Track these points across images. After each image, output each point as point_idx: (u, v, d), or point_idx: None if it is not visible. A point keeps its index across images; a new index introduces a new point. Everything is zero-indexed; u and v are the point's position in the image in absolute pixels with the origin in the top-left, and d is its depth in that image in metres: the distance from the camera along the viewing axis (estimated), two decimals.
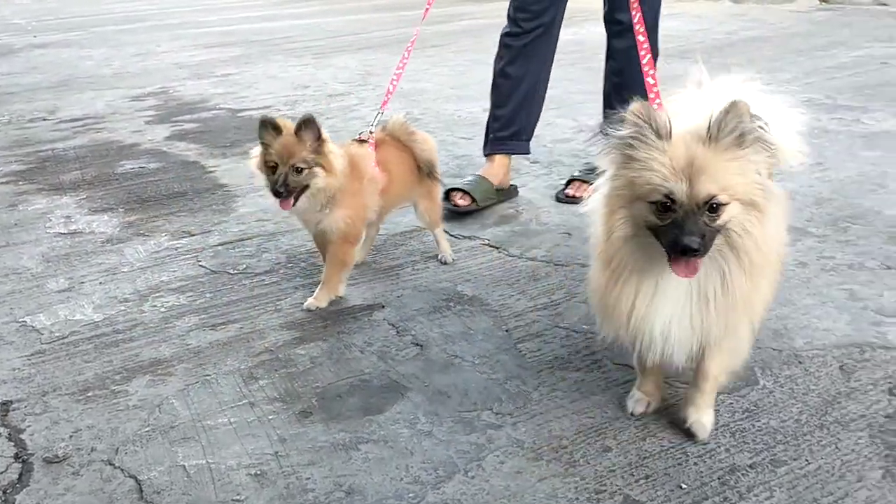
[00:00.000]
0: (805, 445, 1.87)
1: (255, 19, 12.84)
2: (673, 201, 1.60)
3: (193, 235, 3.49)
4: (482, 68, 7.12)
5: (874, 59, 6.26)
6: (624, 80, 3.59)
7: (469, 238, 3.29)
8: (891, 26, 7.74)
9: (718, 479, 1.79)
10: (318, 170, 2.51)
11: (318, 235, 2.77)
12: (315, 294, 2.76)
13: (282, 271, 3.06)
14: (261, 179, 2.60)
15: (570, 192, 3.62)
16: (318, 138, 2.49)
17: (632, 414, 2.04)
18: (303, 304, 2.76)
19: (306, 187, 2.52)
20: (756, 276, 1.70)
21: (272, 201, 2.61)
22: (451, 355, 2.38)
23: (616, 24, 3.55)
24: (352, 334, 2.55)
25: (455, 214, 3.46)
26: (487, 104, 5.71)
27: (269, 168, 2.50)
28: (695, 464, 1.84)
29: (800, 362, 2.20)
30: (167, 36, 11.24)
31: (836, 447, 1.85)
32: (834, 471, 1.78)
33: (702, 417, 1.92)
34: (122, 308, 2.83)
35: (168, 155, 4.90)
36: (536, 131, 4.56)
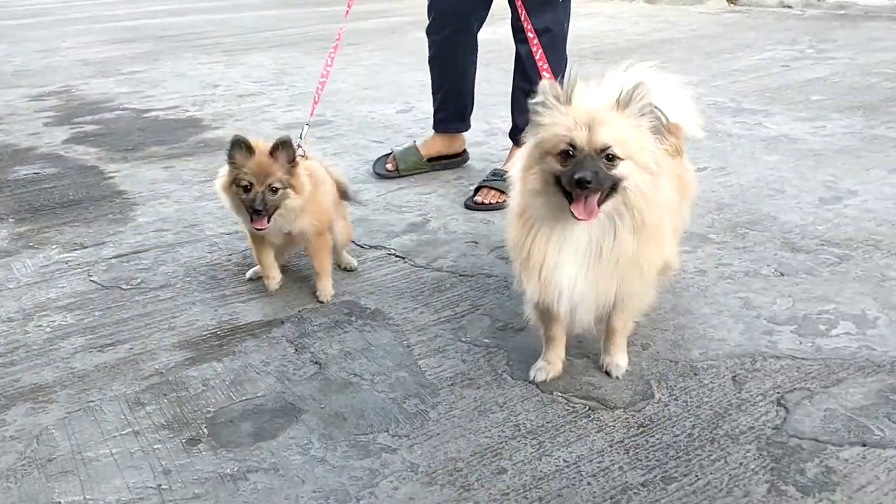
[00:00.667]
0: (696, 461, 1.88)
1: (166, 13, 12.47)
2: (574, 147, 1.82)
3: (86, 248, 3.34)
4: (397, 67, 7.08)
5: (776, 61, 6.45)
6: (533, 87, 3.59)
7: (375, 248, 3.23)
8: (793, 28, 8.00)
9: (611, 498, 1.78)
10: (290, 191, 2.58)
11: (264, 247, 2.81)
12: (319, 287, 2.82)
13: (178, 286, 2.95)
14: (225, 200, 2.63)
15: (478, 198, 3.60)
16: (292, 160, 2.57)
17: (534, 381, 2.24)
18: (199, 321, 2.67)
19: (277, 207, 2.58)
20: (645, 236, 1.92)
21: (241, 220, 2.70)
22: (350, 373, 2.33)
23: (521, 31, 3.54)
24: (248, 353, 2.47)
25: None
26: (401, 105, 5.71)
27: (242, 188, 2.54)
28: (588, 483, 1.83)
29: (695, 374, 2.23)
30: (73, 31, 10.82)
31: (726, 461, 1.87)
32: (722, 486, 1.80)
33: (615, 359, 2.25)
34: (5, 328, 2.67)
35: (65, 159, 4.68)
36: None
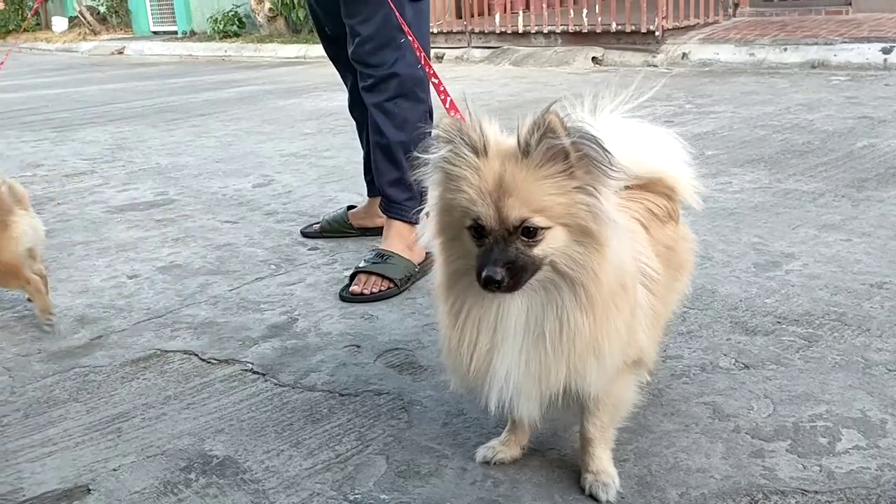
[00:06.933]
0: None
1: None
2: (482, 227, 1.44)
3: None
4: (255, 138, 6.34)
5: (658, 117, 6.06)
6: (388, 141, 3.01)
7: (226, 362, 2.46)
8: (665, 85, 7.86)
9: None
10: None
11: None
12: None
13: None
14: None
15: (355, 288, 2.90)
16: None
17: (478, 461, 1.86)
18: None
19: None
20: (598, 312, 1.51)
21: None
22: None
23: (366, 79, 2.99)
24: None
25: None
26: (258, 179, 5.00)
27: None
28: None
29: None
30: None
31: None
32: None
33: (599, 477, 1.72)
34: None
35: None
36: (314, 211, 4.11)
